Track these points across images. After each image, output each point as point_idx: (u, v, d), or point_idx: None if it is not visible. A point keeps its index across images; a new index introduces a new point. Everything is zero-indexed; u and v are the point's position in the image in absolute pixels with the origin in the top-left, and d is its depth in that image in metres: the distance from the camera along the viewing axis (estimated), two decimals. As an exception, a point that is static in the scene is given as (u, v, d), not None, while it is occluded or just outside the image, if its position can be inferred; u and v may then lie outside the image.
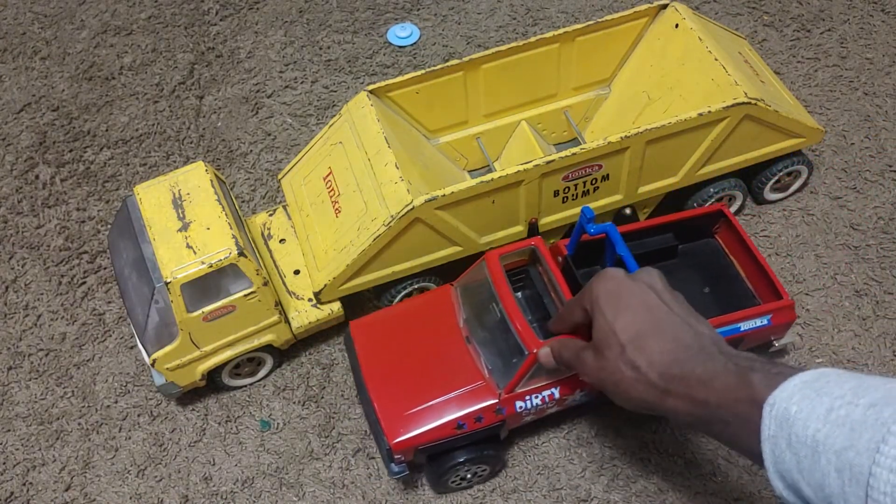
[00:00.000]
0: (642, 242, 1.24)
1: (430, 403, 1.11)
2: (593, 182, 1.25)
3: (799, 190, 1.45)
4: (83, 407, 1.30)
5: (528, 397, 1.10)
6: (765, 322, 1.14)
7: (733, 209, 1.40)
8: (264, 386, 1.30)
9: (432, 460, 1.13)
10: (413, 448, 1.10)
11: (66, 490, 1.23)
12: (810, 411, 0.69)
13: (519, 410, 1.11)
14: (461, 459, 1.12)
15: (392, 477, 1.13)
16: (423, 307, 1.22)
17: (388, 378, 1.15)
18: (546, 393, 1.11)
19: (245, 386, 1.30)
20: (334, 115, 1.35)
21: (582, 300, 0.94)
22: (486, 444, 1.14)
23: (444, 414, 1.10)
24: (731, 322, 1.12)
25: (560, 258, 1.18)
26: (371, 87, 1.31)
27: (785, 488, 0.72)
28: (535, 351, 1.04)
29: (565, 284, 1.10)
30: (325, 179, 1.29)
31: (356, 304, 1.35)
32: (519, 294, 1.19)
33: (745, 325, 1.13)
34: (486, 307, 1.14)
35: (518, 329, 1.07)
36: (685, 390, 0.82)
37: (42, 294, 1.43)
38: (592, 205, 1.28)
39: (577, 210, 1.28)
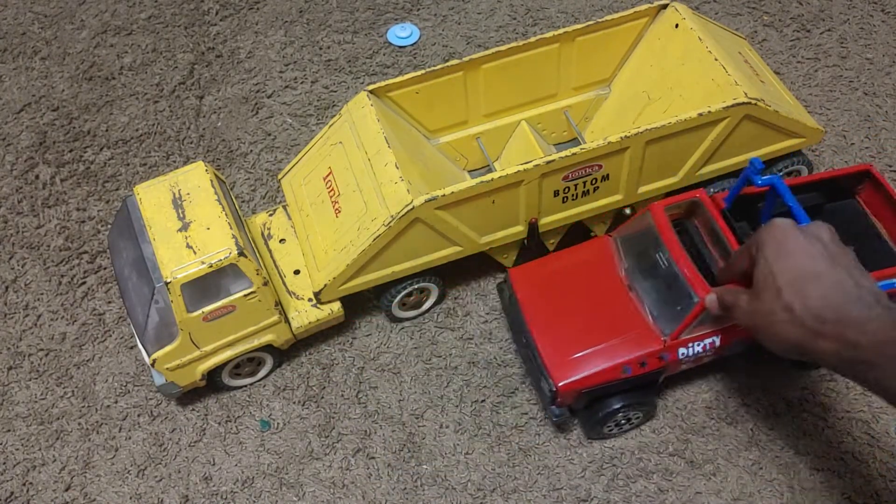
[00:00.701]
0: None
1: (596, 348, 1.14)
2: (593, 182, 1.25)
3: (799, 190, 1.45)
4: (83, 407, 1.30)
5: (690, 344, 1.13)
6: None
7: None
8: (264, 386, 1.30)
9: (590, 406, 1.16)
10: (577, 391, 1.13)
11: (66, 490, 1.23)
12: None
13: (681, 357, 1.14)
14: (622, 404, 1.14)
15: (554, 419, 1.17)
16: (582, 257, 1.25)
17: (550, 323, 1.18)
18: (707, 341, 1.14)
19: (245, 386, 1.30)
20: (334, 115, 1.35)
21: (749, 247, 0.96)
22: (645, 390, 1.17)
23: (610, 358, 1.13)
24: (887, 277, 1.13)
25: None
26: (371, 87, 1.31)
27: None
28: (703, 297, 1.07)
29: (732, 234, 1.11)
30: (325, 179, 1.29)
31: (356, 303, 1.35)
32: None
33: None
34: (649, 256, 1.17)
35: (688, 276, 1.09)
36: (837, 332, 0.83)
37: (42, 294, 1.43)
38: (592, 205, 1.29)
39: (577, 210, 1.28)
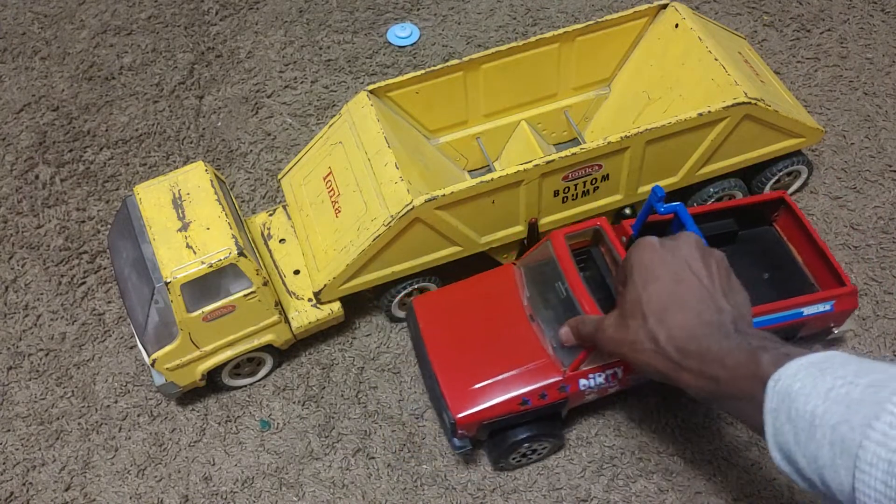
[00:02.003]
0: (702, 227, 1.23)
1: (495, 379, 1.12)
2: (593, 182, 1.25)
3: (799, 190, 1.45)
4: (83, 407, 1.30)
5: (592, 375, 1.12)
6: (827, 308, 1.14)
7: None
8: (264, 386, 1.30)
9: (494, 436, 1.15)
10: (477, 423, 1.11)
11: (66, 490, 1.23)
12: (812, 388, 0.72)
13: (582, 388, 1.12)
14: (524, 436, 1.13)
15: (455, 452, 1.15)
16: (486, 285, 1.23)
17: (452, 353, 1.16)
18: (610, 371, 1.12)
19: (245, 386, 1.30)
20: (334, 115, 1.35)
21: (623, 268, 0.96)
22: (548, 421, 1.15)
23: (508, 390, 1.11)
24: (794, 306, 1.12)
25: (625, 238, 1.18)
26: (371, 86, 1.31)
27: (782, 459, 0.75)
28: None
29: None
30: (325, 179, 1.29)
31: (356, 303, 1.35)
32: (581, 275, 1.20)
33: (807, 310, 1.14)
34: (550, 286, 1.15)
35: (584, 307, 1.08)
36: (698, 366, 0.84)
37: (42, 294, 1.43)
38: (592, 205, 1.29)
39: (577, 210, 1.28)
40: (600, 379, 1.12)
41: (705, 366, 0.83)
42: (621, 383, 1.15)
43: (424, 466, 1.21)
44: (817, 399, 0.71)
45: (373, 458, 1.23)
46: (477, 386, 1.12)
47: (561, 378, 1.11)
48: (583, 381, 1.12)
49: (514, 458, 1.17)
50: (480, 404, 1.11)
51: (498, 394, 1.11)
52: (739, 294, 0.91)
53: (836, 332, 1.20)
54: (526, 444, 1.14)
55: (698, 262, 0.91)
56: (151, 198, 1.19)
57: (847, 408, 0.68)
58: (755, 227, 1.28)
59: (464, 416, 1.10)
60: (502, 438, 1.14)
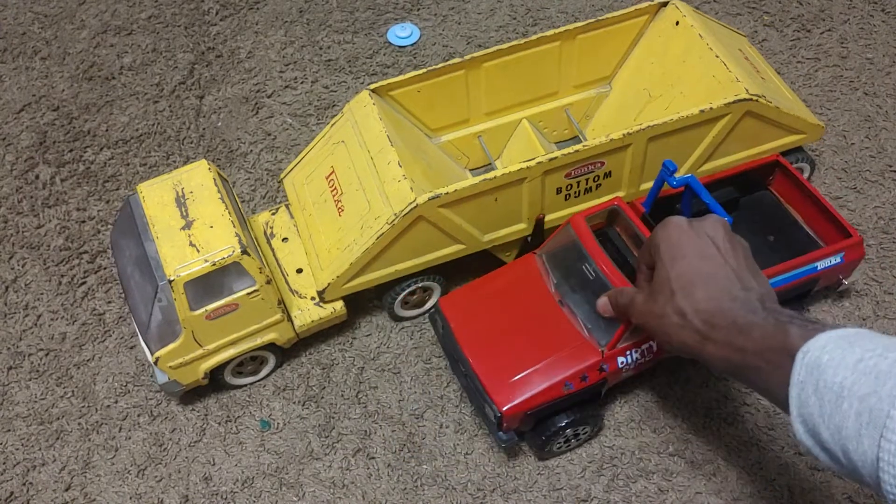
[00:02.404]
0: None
1: (535, 368, 1.13)
2: (595, 179, 1.25)
3: (800, 189, 1.46)
4: (83, 407, 1.30)
5: (629, 352, 1.13)
6: (838, 260, 1.19)
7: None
8: (264, 386, 1.30)
9: (537, 426, 1.15)
10: (522, 413, 1.12)
11: (66, 490, 1.22)
12: (841, 360, 0.73)
13: (621, 366, 1.14)
14: (567, 421, 1.14)
15: (502, 445, 1.15)
16: (510, 278, 1.24)
17: (487, 348, 1.17)
18: (645, 346, 1.14)
19: (247, 385, 1.30)
20: (335, 115, 1.35)
21: (649, 246, 0.98)
22: (588, 403, 1.17)
23: (550, 376, 1.12)
24: (809, 262, 1.17)
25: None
26: (373, 85, 1.31)
27: (805, 432, 0.76)
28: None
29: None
30: (327, 178, 1.29)
31: (356, 303, 1.35)
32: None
33: (821, 265, 1.18)
34: (576, 269, 1.17)
35: (615, 282, 1.10)
36: (725, 337, 0.86)
37: (42, 294, 1.42)
38: (595, 202, 1.29)
39: (580, 208, 1.28)
40: (636, 354, 1.14)
41: (732, 337, 0.85)
42: (655, 356, 1.16)
43: (424, 466, 1.21)
44: (846, 371, 0.72)
45: (373, 458, 1.22)
46: (518, 377, 1.13)
47: (600, 358, 1.12)
48: (621, 359, 1.13)
49: (557, 445, 1.18)
50: (524, 394, 1.12)
51: (540, 381, 1.12)
52: (763, 278, 0.93)
53: (845, 282, 1.24)
54: (569, 430, 1.15)
55: (725, 242, 0.93)
56: (155, 196, 1.19)
57: (876, 378, 0.69)
58: (752, 193, 1.30)
59: (509, 408, 1.11)
60: (547, 425, 1.15)
